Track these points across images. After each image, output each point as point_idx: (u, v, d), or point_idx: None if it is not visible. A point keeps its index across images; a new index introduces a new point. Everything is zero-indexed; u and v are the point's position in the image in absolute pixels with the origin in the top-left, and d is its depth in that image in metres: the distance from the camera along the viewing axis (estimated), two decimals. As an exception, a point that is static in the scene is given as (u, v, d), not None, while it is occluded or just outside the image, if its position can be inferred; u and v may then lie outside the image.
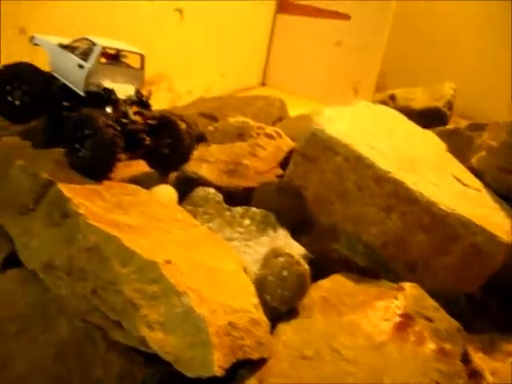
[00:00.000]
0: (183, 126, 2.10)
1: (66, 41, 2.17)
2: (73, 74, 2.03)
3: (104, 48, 2.04)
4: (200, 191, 2.07)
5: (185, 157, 2.16)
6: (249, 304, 1.30)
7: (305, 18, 5.10)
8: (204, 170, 2.16)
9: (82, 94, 2.02)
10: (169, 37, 4.00)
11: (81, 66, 2.01)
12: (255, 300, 1.35)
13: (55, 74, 2.10)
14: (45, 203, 1.68)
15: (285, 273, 1.56)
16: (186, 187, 2.15)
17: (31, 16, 3.05)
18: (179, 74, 4.24)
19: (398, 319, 1.62)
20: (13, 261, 1.75)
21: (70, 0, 3.15)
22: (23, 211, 1.75)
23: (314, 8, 4.98)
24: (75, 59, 2.03)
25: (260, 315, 1.30)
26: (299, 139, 2.15)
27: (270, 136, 2.89)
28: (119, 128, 1.87)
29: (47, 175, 1.74)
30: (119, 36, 3.77)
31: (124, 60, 2.21)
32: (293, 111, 3.71)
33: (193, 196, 2.06)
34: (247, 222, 1.96)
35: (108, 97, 2.00)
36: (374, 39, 4.78)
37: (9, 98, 2.12)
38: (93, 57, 2.02)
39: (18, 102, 2.11)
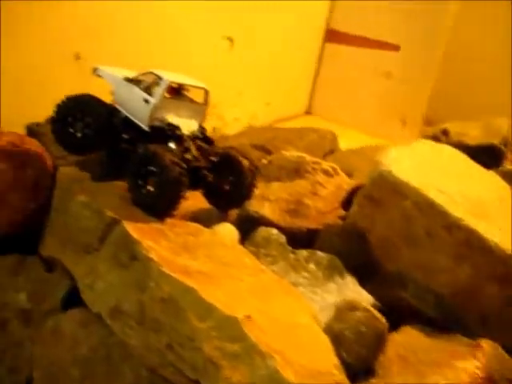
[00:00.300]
0: (246, 163, 2.03)
1: (131, 73, 2.13)
2: (137, 108, 1.99)
3: (170, 83, 1.98)
4: (262, 232, 1.99)
5: (246, 195, 2.09)
6: (331, 365, 1.22)
7: (353, 47, 4.99)
8: (266, 209, 2.09)
9: (146, 128, 1.96)
10: (219, 65, 3.95)
11: (146, 101, 1.97)
12: (336, 360, 1.25)
13: (118, 107, 2.06)
14: (110, 243, 1.62)
15: (362, 328, 1.47)
16: (248, 226, 2.07)
17: (86, 42, 2.99)
18: (227, 103, 4.19)
19: (480, 382, 1.50)
20: (72, 298, 1.68)
21: (124, 27, 3.12)
22: (87, 250, 1.68)
23: (364, 38, 4.89)
24: (141, 94, 1.99)
25: (343, 378, 1.21)
26: (365, 180, 2.05)
27: (326, 172, 2.81)
28: (185, 166, 1.81)
29: (112, 213, 1.67)
30: (168, 64, 3.76)
31: (187, 94, 2.16)
32: (340, 142, 3.65)
33: (255, 236, 1.98)
34: (313, 266, 1.88)
35: (172, 132, 1.95)
36: (423, 71, 4.68)
37: (70, 130, 2.08)
38: (159, 92, 1.97)
39: (79, 134, 2.07)
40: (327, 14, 4.85)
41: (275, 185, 2.28)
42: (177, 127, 1.96)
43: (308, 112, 5.17)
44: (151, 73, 2.03)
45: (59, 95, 2.24)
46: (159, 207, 1.81)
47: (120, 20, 3.07)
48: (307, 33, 4.69)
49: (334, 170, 2.80)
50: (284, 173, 2.76)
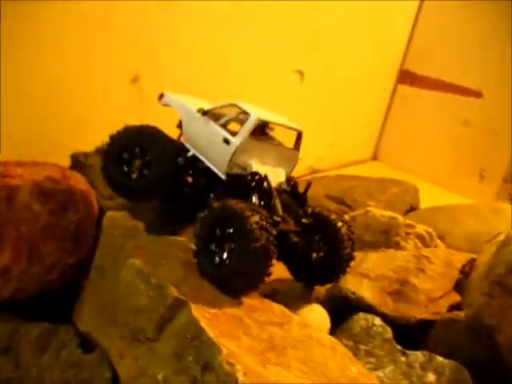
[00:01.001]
0: (343, 228, 1.53)
1: (204, 104, 1.66)
2: (214, 149, 1.57)
3: (260, 121, 1.51)
4: (361, 320, 1.51)
5: (343, 269, 1.59)
6: None
7: (428, 91, 4.51)
8: (365, 290, 1.61)
9: (222, 176, 1.49)
10: (286, 98, 3.53)
11: (227, 141, 1.54)
12: None
13: (187, 145, 1.59)
14: (172, 335, 1.17)
15: None
16: (341, 309, 1.56)
17: (145, 64, 2.59)
18: (290, 140, 3.70)
19: None
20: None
21: (188, 53, 2.75)
22: (137, 337, 1.20)
23: (441, 81, 4.40)
24: (220, 131, 1.57)
25: None
26: (496, 265, 1.53)
27: (421, 237, 2.34)
28: (274, 232, 1.31)
29: (176, 291, 1.19)
30: (233, 94, 3.32)
31: (271, 134, 1.69)
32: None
33: (351, 326, 1.50)
34: (431, 376, 1.39)
35: (258, 184, 1.46)
36: (506, 120, 4.17)
37: (124, 169, 1.62)
38: (245, 131, 1.54)
39: (134, 175, 1.61)
40: (402, 53, 4.40)
41: (373, 256, 1.76)
42: (263, 178, 1.47)
43: (374, 157, 4.69)
44: (234, 105, 1.58)
45: (112, 122, 1.80)
46: (237, 285, 1.34)
47: (184, 44, 2.72)
48: (380, 71, 4.31)
49: (430, 235, 2.33)
50: (370, 233, 2.28)
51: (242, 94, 3.16)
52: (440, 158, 4.43)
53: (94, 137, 2.08)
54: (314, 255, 1.62)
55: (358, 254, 1.78)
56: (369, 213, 2.33)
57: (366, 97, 4.36)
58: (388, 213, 2.29)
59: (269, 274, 1.36)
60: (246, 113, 1.55)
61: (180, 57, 2.73)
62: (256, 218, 1.32)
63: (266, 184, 1.49)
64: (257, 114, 1.52)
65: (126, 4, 2.32)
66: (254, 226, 1.30)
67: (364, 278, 1.68)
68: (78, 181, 1.70)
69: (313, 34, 3.35)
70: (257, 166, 1.53)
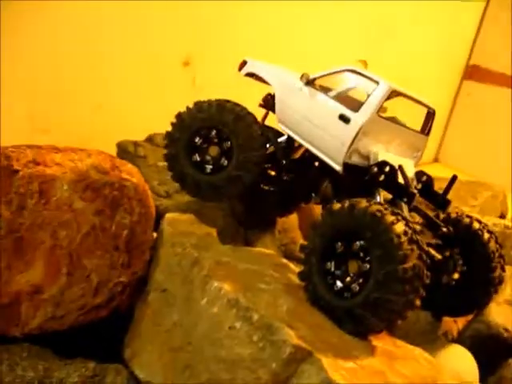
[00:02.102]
0: (492, 242, 1.07)
1: (294, 74, 1.23)
2: (325, 131, 1.17)
3: (393, 91, 1.14)
4: None
5: (489, 296, 1.12)
6: None
7: (498, 87, 4.11)
8: None
9: (337, 167, 1.11)
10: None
11: (344, 119, 1.11)
12: None
13: (282, 127, 1.14)
14: None
15: None
16: (486, 351, 1.09)
17: (196, 45, 2.24)
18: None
19: None
20: None
21: (242, 35, 2.40)
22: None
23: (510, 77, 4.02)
24: (335, 106, 1.16)
25: None
26: None
27: None
28: (426, 247, 0.86)
29: (294, 336, 0.75)
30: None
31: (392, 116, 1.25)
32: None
33: (505, 374, 1.02)
34: None
35: (389, 179, 1.07)
36: None
37: (197, 158, 1.17)
38: (372, 105, 1.14)
39: (210, 166, 1.17)
40: (469, 47, 4.04)
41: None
42: (397, 170, 1.14)
43: (436, 159, 4.32)
44: (352, 72, 1.22)
45: (163, 108, 1.41)
46: (370, 323, 0.87)
47: (241, 27, 2.38)
48: (445, 66, 3.96)
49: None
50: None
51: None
52: (507, 159, 4.07)
53: (143, 125, 1.82)
54: (446, 276, 1.14)
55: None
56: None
57: (430, 93, 3.96)
58: (501, 221, 1.85)
59: (417, 307, 0.90)
60: (371, 80, 1.14)
61: (236, 39, 2.39)
62: (401, 226, 0.87)
63: (401, 179, 1.02)
64: (387, 82, 1.09)
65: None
66: (403, 237, 0.85)
67: (513, 309, 1.21)
68: (131, 172, 1.27)
69: (379, 24, 3.10)
70: (384, 155, 1.07)
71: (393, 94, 1.15)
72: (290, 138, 1.24)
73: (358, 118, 1.10)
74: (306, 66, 2.90)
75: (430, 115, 1.25)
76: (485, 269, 1.18)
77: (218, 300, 0.90)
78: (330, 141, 1.13)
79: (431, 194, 1.20)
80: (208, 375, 0.87)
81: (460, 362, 1.12)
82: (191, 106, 1.27)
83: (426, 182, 1.21)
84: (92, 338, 1.19)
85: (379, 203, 0.97)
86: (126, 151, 1.64)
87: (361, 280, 0.94)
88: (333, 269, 0.98)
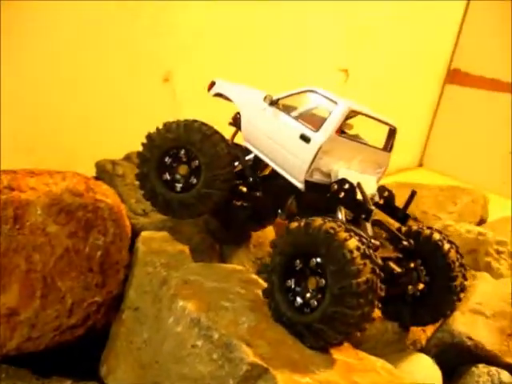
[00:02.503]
0: (452, 252, 1.12)
1: (261, 93, 1.27)
2: (288, 149, 1.21)
3: (351, 111, 1.19)
4: (483, 375, 1.15)
5: (452, 305, 1.17)
6: None
7: (479, 90, 4.14)
8: (481, 333, 1.16)
9: (298, 184, 1.15)
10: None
11: (305, 139, 1.16)
12: None
13: (248, 145, 1.19)
14: None
15: None
16: (451, 359, 1.13)
17: (176, 62, 2.26)
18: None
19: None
20: None
21: (221, 49, 2.43)
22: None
23: (493, 80, 4.03)
24: (296, 126, 1.20)
25: None
26: None
27: None
28: (380, 260, 0.90)
29: (251, 354, 0.80)
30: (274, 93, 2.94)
31: (352, 133, 1.30)
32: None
33: (468, 382, 1.06)
34: None
35: (348, 196, 1.13)
36: None
37: (167, 177, 1.22)
38: (331, 124, 1.18)
39: (180, 185, 1.21)
40: (450, 51, 4.03)
41: (481, 285, 1.35)
42: (356, 187, 1.17)
43: (421, 164, 4.34)
44: (312, 92, 1.24)
45: (143, 125, 1.41)
46: (329, 336, 0.92)
47: (221, 41, 2.40)
48: (427, 71, 3.96)
49: (526, 253, 1.89)
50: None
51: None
52: (492, 163, 4.08)
53: (122, 143, 1.81)
54: (411, 287, 1.19)
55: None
56: (449, 227, 1.92)
57: (413, 98, 4.05)
58: (475, 228, 1.88)
59: (372, 320, 0.94)
60: (330, 101, 1.18)
61: (216, 54, 2.41)
62: (355, 242, 0.91)
63: (359, 195, 1.07)
64: (346, 102, 1.13)
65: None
66: (355, 253, 0.89)
67: (478, 317, 1.25)
68: (106, 193, 1.31)
69: (359, 31, 3.09)
70: (344, 172, 1.12)
71: (352, 113, 1.19)
72: (256, 156, 1.28)
73: (318, 138, 1.14)
74: (288, 77, 2.95)
75: (392, 132, 1.29)
76: (446, 278, 1.22)
77: (182, 319, 0.94)
78: (292, 159, 1.17)
79: (392, 208, 1.24)
80: (161, 374, 0.91)
81: (423, 370, 1.16)
82: (160, 126, 1.31)
83: (387, 198, 1.25)
84: (69, 356, 1.23)
85: (334, 221, 1.01)
86: (104, 170, 1.68)
87: (319, 295, 0.98)
88: (293, 286, 1.02)
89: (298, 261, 1.01)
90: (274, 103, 1.23)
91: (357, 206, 1.13)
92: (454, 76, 4.16)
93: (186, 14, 2.14)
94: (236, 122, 1.32)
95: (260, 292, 1.09)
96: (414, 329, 1.34)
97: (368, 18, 3.08)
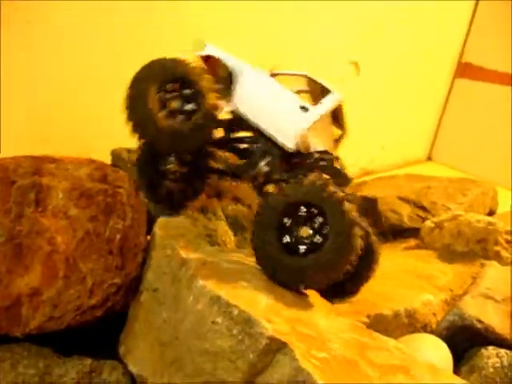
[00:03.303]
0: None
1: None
2: (284, 117, 1.29)
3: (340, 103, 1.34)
4: (493, 357, 1.14)
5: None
6: None
7: (489, 84, 4.13)
8: (492, 317, 1.18)
9: (291, 147, 1.28)
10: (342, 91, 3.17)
11: (305, 109, 1.27)
12: None
13: (240, 111, 1.27)
14: None
15: None
16: (460, 341, 1.16)
17: None
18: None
19: None
20: None
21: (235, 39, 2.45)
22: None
23: (505, 74, 4.01)
24: (296, 98, 1.31)
25: None
26: None
27: None
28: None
29: (271, 328, 0.82)
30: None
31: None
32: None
33: (481, 364, 1.10)
34: None
35: (329, 164, 1.28)
36: None
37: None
38: (325, 107, 1.30)
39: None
40: (461, 44, 4.00)
41: (491, 270, 1.37)
42: (336, 158, 1.30)
43: (429, 158, 4.34)
44: (308, 78, 1.38)
45: None
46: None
47: (234, 31, 2.44)
48: (437, 64, 3.93)
49: (534, 243, 1.91)
50: (463, 242, 1.91)
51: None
52: (500, 157, 4.07)
53: None
54: None
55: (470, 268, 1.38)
56: (460, 217, 1.94)
57: (422, 91, 4.06)
58: (484, 217, 1.91)
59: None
60: (325, 89, 1.33)
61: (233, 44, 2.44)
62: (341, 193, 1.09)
63: (338, 166, 1.27)
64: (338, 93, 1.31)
65: None
66: (345, 203, 1.06)
67: (488, 300, 1.28)
68: (124, 179, 1.34)
69: (370, 24, 3.11)
70: (321, 146, 1.30)
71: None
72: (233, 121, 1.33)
73: (315, 110, 1.27)
74: (298, 68, 2.97)
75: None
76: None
77: (202, 297, 0.98)
78: (288, 125, 1.27)
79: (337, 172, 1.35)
80: (193, 367, 0.95)
81: (434, 351, 1.19)
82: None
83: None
84: (89, 336, 1.27)
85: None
86: (120, 158, 1.71)
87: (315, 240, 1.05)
88: (288, 238, 1.09)
89: (294, 214, 1.09)
90: (273, 75, 1.28)
91: (335, 173, 1.22)
92: (465, 69, 4.14)
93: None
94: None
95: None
96: (424, 312, 1.37)
97: (379, 12, 3.10)
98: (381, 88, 3.43)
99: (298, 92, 1.35)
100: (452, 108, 4.27)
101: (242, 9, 2.38)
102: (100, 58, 1.94)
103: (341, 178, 1.25)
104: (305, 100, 1.31)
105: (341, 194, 1.07)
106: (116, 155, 1.72)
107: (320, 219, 1.07)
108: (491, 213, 2.65)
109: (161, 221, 1.35)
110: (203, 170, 1.45)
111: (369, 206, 1.36)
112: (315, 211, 1.07)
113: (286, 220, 1.09)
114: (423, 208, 2.30)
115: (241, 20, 2.40)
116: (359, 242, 1.03)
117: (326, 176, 1.15)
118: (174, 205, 1.52)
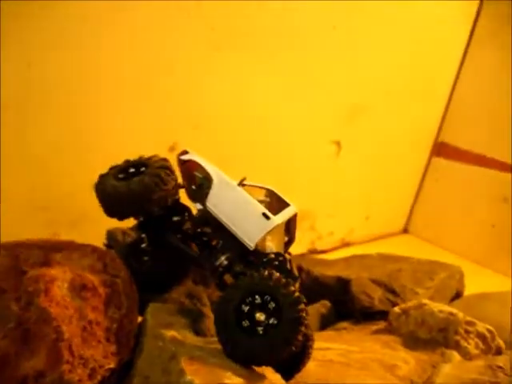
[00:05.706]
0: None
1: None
2: (248, 220, 1.51)
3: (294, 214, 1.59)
4: None
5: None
6: None
7: (465, 164, 4.38)
8: None
9: (251, 245, 1.48)
10: (321, 171, 3.45)
11: (266, 217, 1.49)
12: None
13: (211, 208, 1.54)
14: None
15: None
16: None
17: (181, 134, 2.58)
18: (323, 212, 3.65)
19: None
20: None
21: (223, 121, 2.75)
22: None
23: (479, 156, 4.27)
24: (259, 206, 1.52)
25: None
26: None
27: (482, 337, 2.16)
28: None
29: None
30: (271, 165, 3.19)
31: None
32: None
33: None
34: None
35: (280, 264, 1.49)
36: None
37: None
38: (284, 215, 1.55)
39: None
40: (438, 124, 4.25)
41: (445, 367, 1.55)
42: (288, 260, 1.52)
43: (405, 230, 4.56)
44: (271, 192, 1.61)
45: None
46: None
47: (223, 113, 2.72)
48: (415, 144, 4.16)
49: (492, 334, 2.14)
50: (426, 330, 2.11)
51: (278, 165, 3.06)
52: (474, 234, 4.28)
53: None
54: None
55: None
56: (425, 306, 2.15)
57: (401, 168, 4.31)
58: (446, 307, 2.12)
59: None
60: (284, 203, 1.58)
61: (219, 125, 2.71)
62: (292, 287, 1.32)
63: (289, 266, 1.49)
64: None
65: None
66: (295, 295, 1.30)
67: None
68: (120, 268, 1.53)
69: (351, 104, 3.32)
70: (272, 246, 1.54)
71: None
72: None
73: (275, 219, 1.48)
74: (280, 149, 3.20)
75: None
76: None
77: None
78: (250, 228, 1.48)
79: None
80: None
81: None
82: None
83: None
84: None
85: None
86: (115, 239, 1.89)
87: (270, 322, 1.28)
88: (246, 324, 1.29)
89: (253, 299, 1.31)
90: (241, 184, 1.55)
91: (286, 271, 1.46)
92: (441, 149, 4.36)
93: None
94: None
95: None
96: None
97: (360, 93, 3.32)
98: (361, 165, 3.67)
99: (261, 202, 1.57)
100: (428, 185, 4.47)
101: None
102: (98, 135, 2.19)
103: (290, 276, 1.45)
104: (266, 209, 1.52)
105: (292, 287, 1.30)
106: (111, 236, 1.89)
107: (273, 304, 1.29)
108: (458, 294, 2.82)
109: (152, 307, 1.52)
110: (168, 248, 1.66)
111: (343, 287, 1.57)
112: (268, 298, 1.29)
113: (243, 307, 1.30)
114: (393, 292, 2.48)
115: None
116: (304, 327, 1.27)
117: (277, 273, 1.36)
118: (157, 286, 1.73)
